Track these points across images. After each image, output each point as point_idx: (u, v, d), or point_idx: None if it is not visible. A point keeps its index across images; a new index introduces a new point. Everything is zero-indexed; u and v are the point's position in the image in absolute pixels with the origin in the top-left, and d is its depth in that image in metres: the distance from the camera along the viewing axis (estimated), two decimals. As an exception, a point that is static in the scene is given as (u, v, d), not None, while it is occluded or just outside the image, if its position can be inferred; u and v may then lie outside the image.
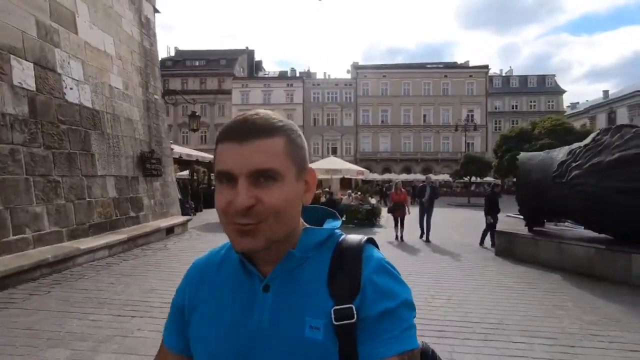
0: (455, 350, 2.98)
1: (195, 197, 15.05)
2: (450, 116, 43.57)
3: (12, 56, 5.08)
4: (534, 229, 6.93)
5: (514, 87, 47.03)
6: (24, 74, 5.26)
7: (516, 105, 46.41)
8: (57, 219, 5.54)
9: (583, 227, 6.29)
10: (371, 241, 0.62)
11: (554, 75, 47.38)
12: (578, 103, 54.75)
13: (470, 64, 46.64)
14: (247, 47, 54.13)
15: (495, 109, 46.47)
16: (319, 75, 49.54)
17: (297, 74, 48.99)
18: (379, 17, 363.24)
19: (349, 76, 47.27)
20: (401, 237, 8.86)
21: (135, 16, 8.87)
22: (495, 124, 45.57)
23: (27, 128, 5.22)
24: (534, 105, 45.84)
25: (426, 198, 8.95)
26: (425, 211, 8.97)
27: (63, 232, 5.60)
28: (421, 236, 9.02)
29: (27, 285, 4.47)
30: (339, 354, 0.52)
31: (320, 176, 17.26)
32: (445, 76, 44.98)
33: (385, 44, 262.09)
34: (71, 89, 6.21)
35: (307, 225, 0.61)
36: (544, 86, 46.61)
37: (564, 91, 46.32)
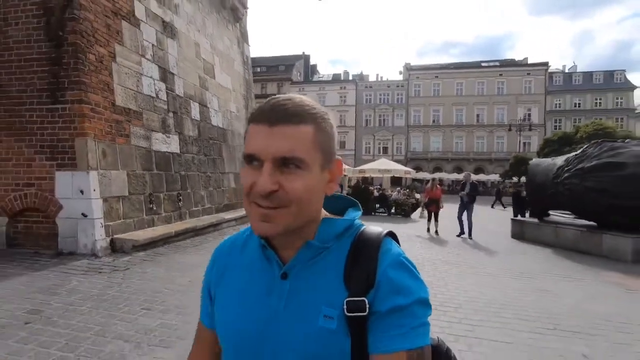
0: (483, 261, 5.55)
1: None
2: (505, 115, 43.11)
3: (191, 101, 8.50)
4: (542, 218, 8.99)
5: (577, 84, 44.94)
6: (195, 110, 8.67)
7: (579, 103, 44.35)
8: (210, 200, 8.92)
9: (573, 216, 8.28)
10: (391, 235, 0.61)
11: (623, 71, 44.54)
12: (654, 98, 50.47)
13: (531, 60, 45.49)
14: (303, 52, 57.55)
15: (557, 107, 44.81)
16: (372, 77, 51.65)
17: (350, 77, 51.50)
18: (434, 11, 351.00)
19: (401, 77, 48.78)
20: (436, 230, 9.28)
21: (241, 57, 12.26)
22: (555, 122, 44.05)
23: (196, 143, 8.63)
24: (599, 103, 43.51)
25: (465, 194, 8.95)
26: (465, 208, 8.92)
27: (213, 208, 8.99)
28: (460, 234, 8.96)
29: (201, 238, 7.74)
30: (351, 345, 0.53)
31: (374, 175, 19.86)
32: (501, 75, 44.48)
33: (440, 38, 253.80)
34: (213, 116, 9.60)
35: (328, 215, 0.61)
36: (612, 82, 43.98)
37: (634, 87, 43.44)
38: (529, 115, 42.45)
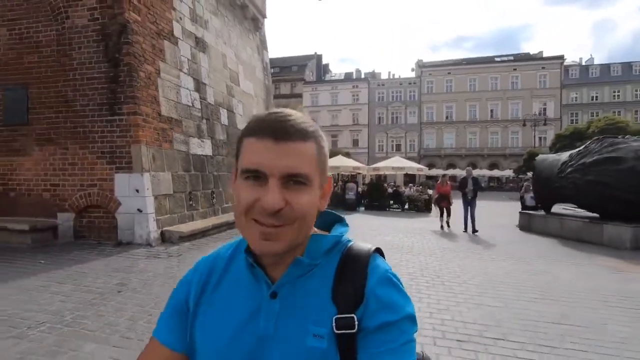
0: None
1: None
2: (520, 110, 42.86)
3: (220, 108, 9.37)
4: (547, 210, 9.52)
5: (594, 77, 44.17)
6: (224, 116, 9.54)
7: (596, 97, 43.64)
8: (238, 197, 9.80)
9: (577, 208, 8.80)
10: (378, 251, 0.61)
11: (642, 62, 43.60)
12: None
13: (547, 53, 45.07)
14: (315, 53, 58.18)
15: (574, 100, 44.18)
16: (384, 75, 51.94)
17: (362, 75, 51.91)
18: (445, 5, 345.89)
19: (413, 74, 48.95)
20: (447, 223, 9.53)
21: (261, 64, 13.10)
22: (572, 117, 43.46)
23: (226, 146, 9.50)
24: (618, 96, 42.74)
25: (469, 190, 9.05)
26: (469, 204, 9.02)
27: (241, 205, 9.87)
28: (465, 230, 9.06)
29: (233, 231, 8.58)
30: None
31: (387, 172, 20.47)
32: (515, 69, 44.21)
33: (452, 32, 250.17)
34: (239, 121, 10.46)
35: (316, 231, 0.60)
36: (631, 74, 43.07)
37: (654, 78, 42.46)
38: (545, 109, 42.09)
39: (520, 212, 10.20)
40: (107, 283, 4.21)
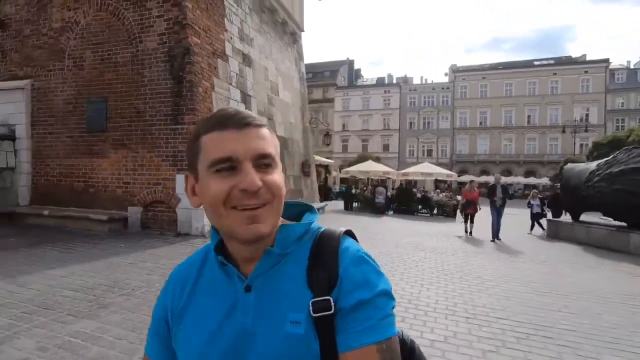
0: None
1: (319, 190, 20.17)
2: (559, 116, 41.36)
3: (261, 116, 10.36)
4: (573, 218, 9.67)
5: (643, 81, 41.79)
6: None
7: (645, 102, 41.24)
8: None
9: (602, 216, 8.92)
10: (349, 233, 0.62)
11: (699, 65, 40.71)
12: None
13: (590, 56, 43.46)
14: (347, 58, 58.87)
15: (620, 106, 41.96)
16: (416, 80, 51.81)
17: (394, 80, 52.03)
18: (480, 6, 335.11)
19: (446, 79, 48.51)
20: (470, 232, 9.54)
21: (298, 74, 14.05)
22: (617, 123, 41.28)
23: (266, 151, 10.48)
24: (670, 101, 40.17)
25: (497, 197, 9.02)
26: (497, 211, 8.99)
27: (278, 205, 10.79)
28: (492, 240, 8.88)
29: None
30: (320, 347, 0.52)
31: (417, 178, 20.78)
32: (555, 73, 42.71)
33: (488, 35, 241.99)
34: (278, 128, 11.41)
35: (285, 221, 0.61)
36: (685, 78, 40.42)
37: None
38: (587, 115, 40.37)
39: (548, 220, 10.37)
40: (175, 259, 5.18)
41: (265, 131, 0.56)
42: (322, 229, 0.62)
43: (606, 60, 41.54)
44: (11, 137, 8.48)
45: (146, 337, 0.67)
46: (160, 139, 7.50)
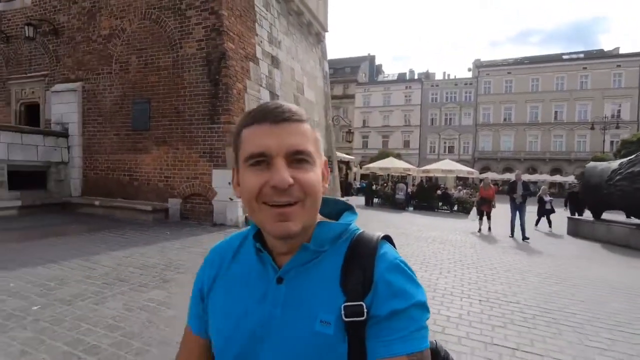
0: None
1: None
2: (589, 112, 39.98)
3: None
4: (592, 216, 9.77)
5: (681, 76, 39.76)
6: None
7: (683, 97, 39.28)
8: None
9: (625, 215, 8.99)
10: (387, 238, 0.61)
11: None
12: None
13: (624, 49, 41.43)
14: (368, 54, 58.62)
15: (655, 101, 40.10)
16: (438, 76, 51.15)
17: (416, 76, 51.54)
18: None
19: (469, 74, 47.66)
20: (489, 228, 9.49)
21: (321, 74, 14.53)
22: (651, 119, 39.56)
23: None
24: None
25: (518, 195, 8.90)
26: (518, 209, 8.89)
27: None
28: (511, 235, 8.93)
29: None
30: (348, 350, 0.52)
31: (437, 175, 20.91)
32: (585, 68, 41.26)
33: (515, 27, 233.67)
34: (303, 126, 11.97)
35: (323, 219, 0.61)
36: None
37: None
38: (619, 111, 38.87)
39: (568, 218, 10.48)
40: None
41: (304, 127, 0.55)
42: (360, 231, 0.61)
43: (640, 54, 39.74)
44: (65, 134, 9.41)
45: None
46: (198, 136, 8.19)
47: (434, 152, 45.76)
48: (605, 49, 44.68)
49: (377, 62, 60.71)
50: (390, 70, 72.53)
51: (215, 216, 8.03)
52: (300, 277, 0.58)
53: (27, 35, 9.49)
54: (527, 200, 9.11)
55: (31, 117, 10.25)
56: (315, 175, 0.55)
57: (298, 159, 0.53)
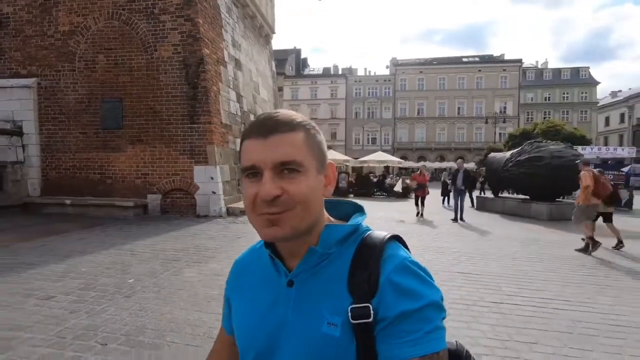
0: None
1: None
2: (483, 108, 47.18)
3: (250, 113, 11.83)
4: (498, 195, 12.86)
5: (547, 80, 49.30)
6: (250, 120, 12.02)
7: (549, 97, 48.77)
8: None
9: (516, 193, 12.19)
10: (397, 238, 0.62)
11: (587, 68, 49.30)
12: (620, 91, 55.42)
13: (508, 55, 49.77)
14: (294, 47, 59.63)
15: (530, 100, 49.13)
16: (360, 71, 54.82)
17: (340, 71, 54.44)
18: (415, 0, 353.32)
19: (387, 72, 52.26)
20: (421, 214, 10.32)
21: (270, 72, 15.52)
22: (528, 115, 48.37)
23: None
24: (567, 97, 48.02)
25: (459, 183, 9.64)
26: (459, 194, 9.62)
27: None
28: (455, 220, 9.48)
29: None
30: (357, 352, 0.53)
31: (372, 165, 23.52)
32: (480, 70, 48.46)
33: (422, 26, 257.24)
34: (260, 123, 12.95)
35: (333, 220, 0.63)
36: (578, 78, 48.59)
37: (597, 83, 48.27)
38: (505, 108, 46.79)
39: (477, 196, 13.50)
40: (218, 232, 6.80)
41: (294, 136, 0.55)
42: (369, 232, 0.62)
43: (519, 61, 48.27)
44: (19, 132, 9.00)
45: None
46: (177, 135, 8.76)
47: (358, 143, 49.42)
48: (495, 55, 52.97)
49: (302, 56, 62.06)
50: (314, 64, 75.14)
51: (199, 209, 8.76)
52: (310, 280, 0.59)
53: (-36, 24, 8.75)
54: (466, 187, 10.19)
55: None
56: (307, 183, 0.55)
57: (288, 169, 0.54)
